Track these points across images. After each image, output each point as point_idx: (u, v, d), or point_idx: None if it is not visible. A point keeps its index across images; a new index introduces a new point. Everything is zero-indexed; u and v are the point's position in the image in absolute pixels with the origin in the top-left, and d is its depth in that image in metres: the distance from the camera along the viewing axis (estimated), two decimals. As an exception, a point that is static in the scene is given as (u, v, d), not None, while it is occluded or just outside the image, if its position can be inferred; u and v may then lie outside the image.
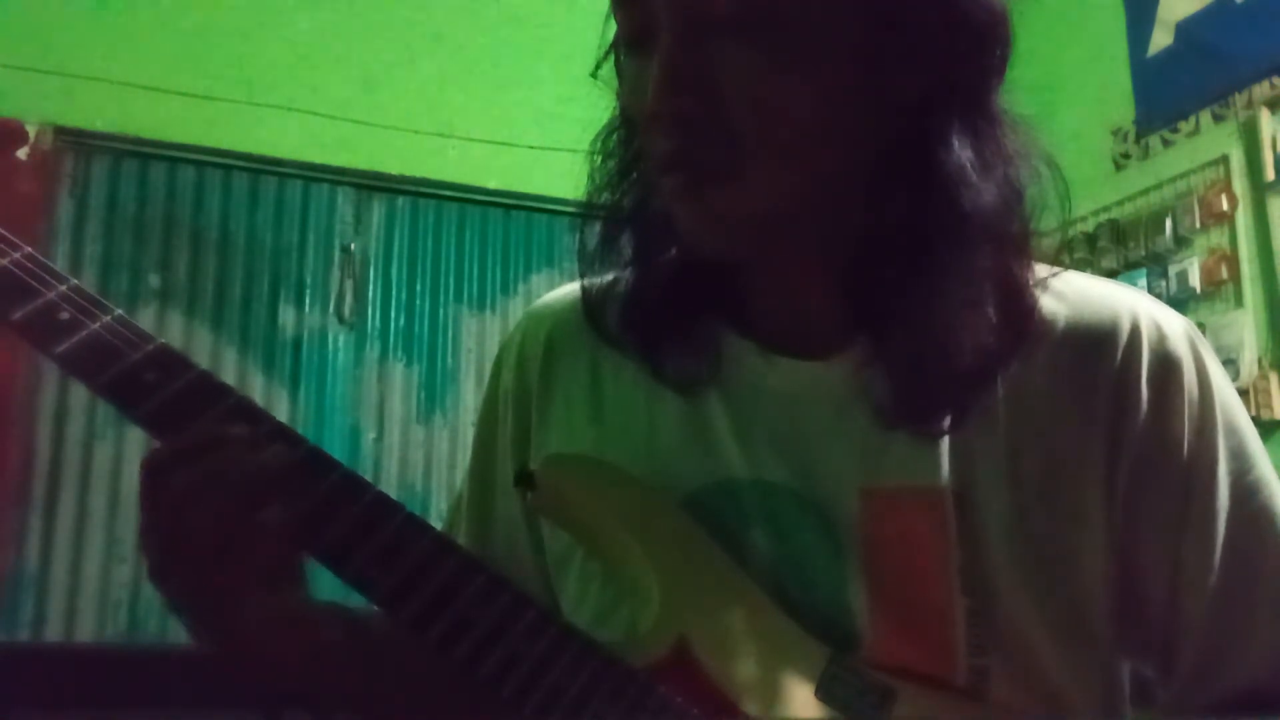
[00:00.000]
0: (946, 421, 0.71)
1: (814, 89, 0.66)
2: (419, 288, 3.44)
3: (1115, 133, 3.30)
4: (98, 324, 0.67)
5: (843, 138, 0.69)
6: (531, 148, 3.42)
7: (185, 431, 0.65)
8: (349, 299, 3.35)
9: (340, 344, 3.32)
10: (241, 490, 0.64)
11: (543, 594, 0.81)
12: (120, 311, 0.68)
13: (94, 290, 0.69)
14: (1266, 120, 2.86)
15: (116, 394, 0.66)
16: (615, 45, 0.74)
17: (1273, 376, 2.77)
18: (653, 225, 0.75)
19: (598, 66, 0.76)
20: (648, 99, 0.66)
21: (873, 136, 0.69)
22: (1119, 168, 3.28)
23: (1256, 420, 2.70)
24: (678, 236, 0.73)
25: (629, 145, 0.77)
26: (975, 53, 0.69)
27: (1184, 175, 3.05)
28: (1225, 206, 2.91)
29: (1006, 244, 0.70)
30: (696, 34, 0.66)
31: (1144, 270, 3.11)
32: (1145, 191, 3.16)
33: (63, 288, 0.67)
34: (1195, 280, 2.96)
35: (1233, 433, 0.73)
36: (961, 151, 0.68)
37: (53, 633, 2.90)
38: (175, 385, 0.66)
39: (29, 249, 0.68)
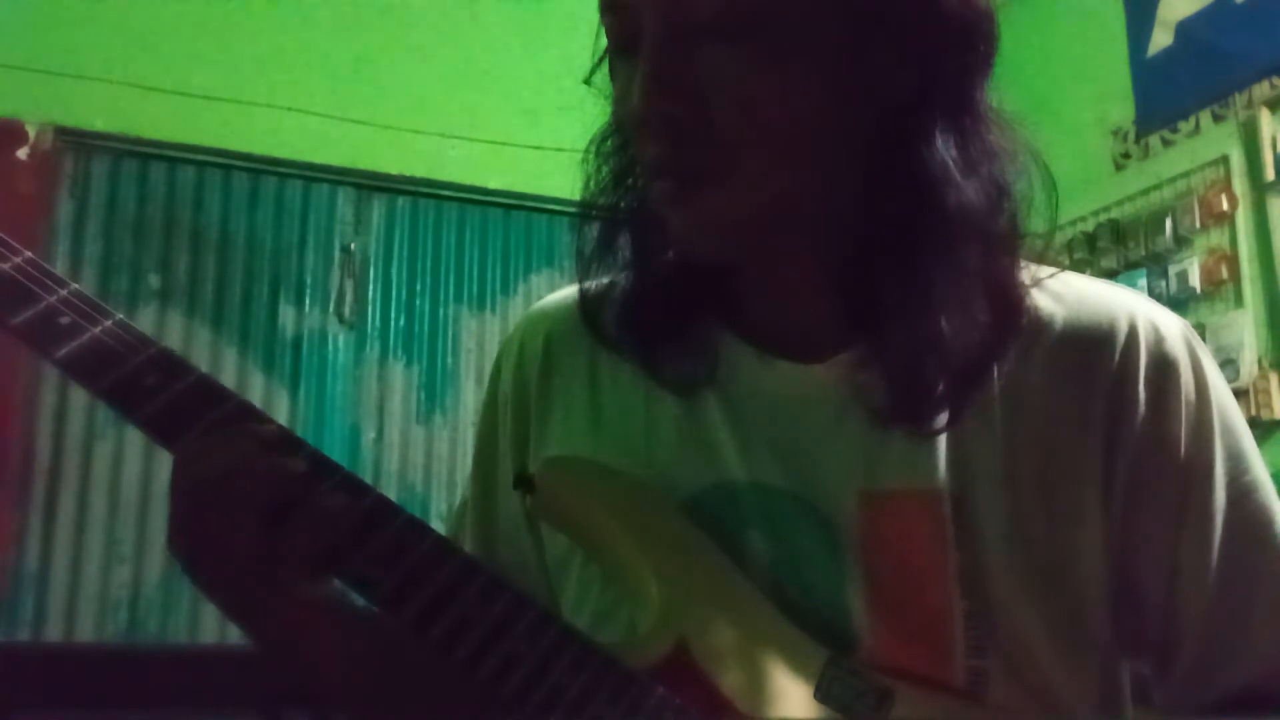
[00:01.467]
0: (942, 420, 0.71)
1: (799, 90, 0.67)
2: (419, 288, 3.44)
3: (1115, 133, 3.30)
4: (98, 328, 0.67)
5: (829, 138, 0.69)
6: (531, 148, 3.42)
7: (200, 431, 0.66)
8: (349, 299, 3.35)
9: (340, 344, 3.33)
10: (272, 483, 0.65)
11: (548, 595, 0.81)
12: (120, 316, 0.69)
13: (94, 290, 0.69)
14: (1266, 120, 2.86)
15: (117, 398, 0.66)
16: (608, 52, 0.74)
17: (1273, 376, 2.77)
18: (649, 228, 0.75)
19: (591, 73, 0.76)
20: (634, 104, 0.67)
21: (859, 136, 0.70)
22: (1119, 168, 3.28)
23: (1256, 420, 2.70)
24: (672, 240, 0.73)
25: (624, 149, 0.78)
26: (959, 50, 0.69)
27: (1184, 175, 3.05)
28: (1225, 206, 2.91)
29: (993, 240, 0.70)
30: (680, 38, 0.66)
31: (1144, 270, 3.11)
32: (1145, 191, 3.16)
33: (63, 292, 0.68)
34: (1195, 280, 2.96)
35: (1229, 434, 0.74)
36: (946, 150, 0.68)
37: (53, 633, 2.91)
38: (175, 389, 0.67)
39: (29, 254, 0.68)
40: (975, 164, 0.69)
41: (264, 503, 0.64)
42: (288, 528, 0.65)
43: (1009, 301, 0.72)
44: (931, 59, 0.68)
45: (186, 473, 0.65)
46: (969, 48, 0.69)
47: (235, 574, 0.66)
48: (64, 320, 0.67)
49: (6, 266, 0.67)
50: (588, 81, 0.76)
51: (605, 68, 0.76)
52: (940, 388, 0.70)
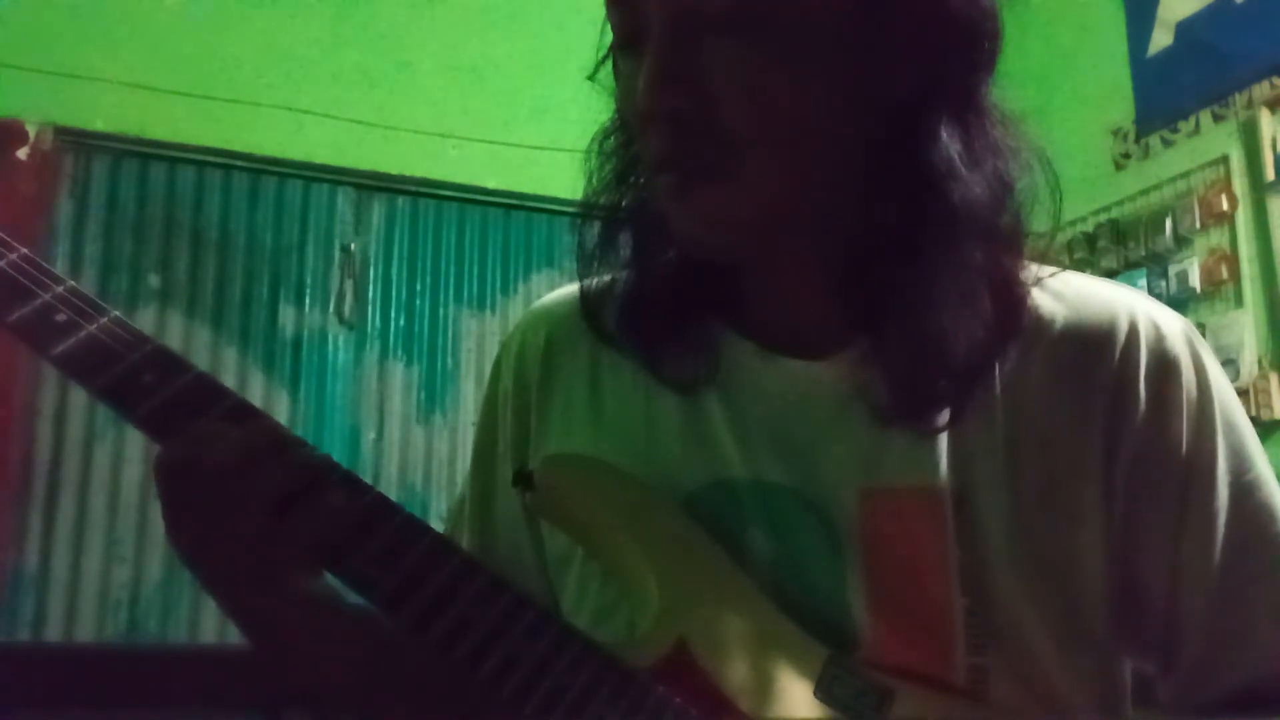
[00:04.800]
0: (944, 417, 0.71)
1: (805, 85, 0.67)
2: (419, 288, 3.44)
3: (1115, 133, 3.30)
4: (94, 326, 0.67)
5: (834, 135, 0.69)
6: (531, 148, 3.42)
7: (198, 428, 0.66)
8: (349, 299, 3.35)
9: (340, 344, 3.32)
10: (267, 479, 0.65)
11: (545, 594, 0.81)
12: (117, 313, 0.68)
13: (94, 290, 0.69)
14: (1266, 120, 2.86)
15: (114, 396, 0.66)
16: (613, 48, 0.74)
17: (1273, 376, 2.77)
18: (651, 226, 0.75)
19: (595, 70, 0.76)
20: (640, 98, 0.67)
21: (864, 133, 0.70)
22: (1119, 168, 3.28)
23: (1256, 420, 2.70)
24: (675, 236, 0.73)
25: (627, 147, 0.78)
26: (964, 48, 0.69)
27: (1184, 175, 3.05)
28: (1225, 206, 2.91)
29: (997, 237, 0.70)
30: (688, 31, 0.66)
31: (1144, 270, 3.11)
32: (1145, 191, 3.16)
33: (59, 289, 0.67)
34: (1195, 280, 2.95)
35: (1231, 431, 0.74)
36: (950, 145, 0.68)
37: (53, 633, 2.90)
38: (173, 387, 0.67)
39: (25, 250, 0.68)
40: (979, 160, 0.69)
41: (272, 492, 0.64)
42: (291, 519, 0.65)
43: (1011, 299, 0.72)
44: (937, 56, 0.68)
45: (193, 458, 0.65)
46: (974, 46, 0.69)
47: (237, 564, 0.66)
48: (60, 317, 0.67)
49: (2, 264, 0.67)
50: (591, 78, 0.76)
51: (609, 65, 0.75)
52: (941, 385, 0.70)
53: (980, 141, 0.70)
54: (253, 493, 0.64)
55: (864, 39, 0.67)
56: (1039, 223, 0.74)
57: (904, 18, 0.67)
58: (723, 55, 0.66)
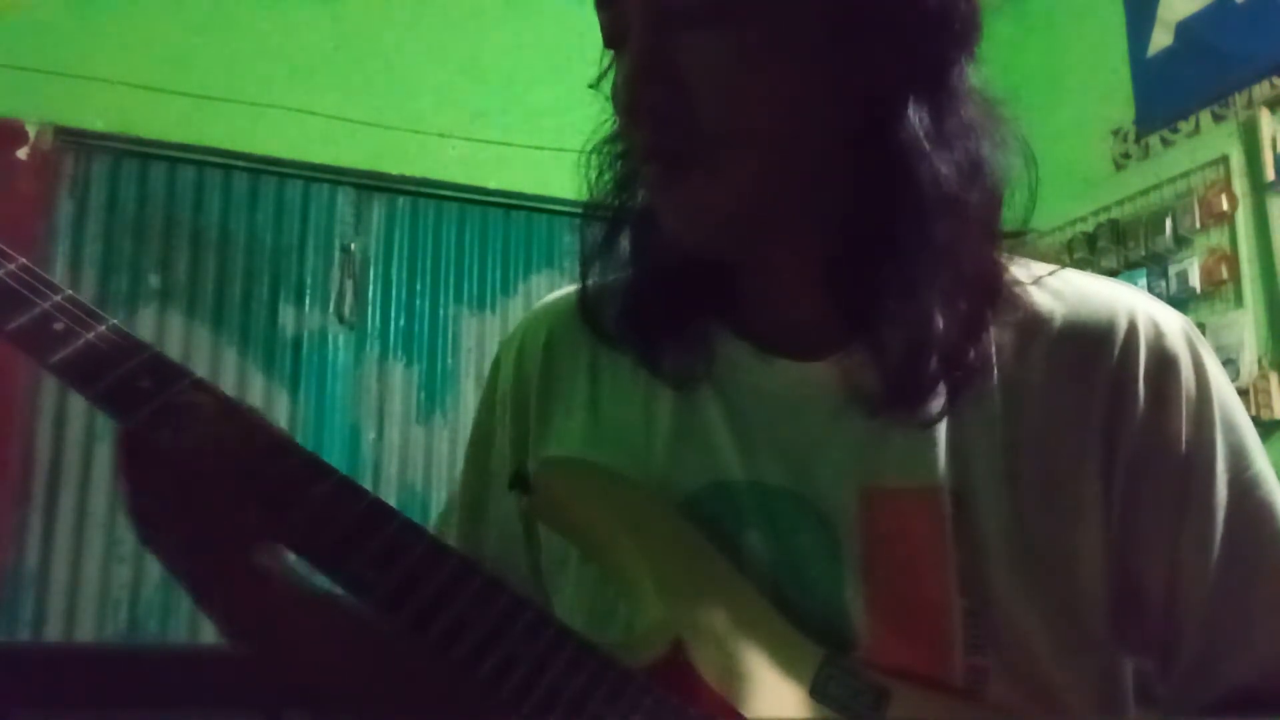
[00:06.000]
0: (936, 409, 0.71)
1: (779, 77, 0.68)
2: (419, 288, 3.44)
3: (1115, 133, 3.30)
4: (92, 334, 0.67)
5: (810, 125, 0.70)
6: (531, 148, 3.42)
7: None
8: (349, 299, 3.35)
9: (340, 344, 3.32)
10: (225, 456, 0.65)
11: (536, 594, 0.81)
12: (115, 321, 0.69)
13: (94, 290, 0.69)
14: (1266, 120, 2.86)
15: (111, 402, 0.66)
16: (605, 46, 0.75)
17: (1273, 376, 2.76)
18: (650, 226, 0.75)
19: (599, 79, 0.76)
20: (621, 94, 0.68)
21: (841, 123, 0.70)
22: (1119, 168, 3.28)
23: (1256, 420, 2.69)
24: (663, 230, 0.73)
25: (628, 148, 0.78)
26: (935, 29, 0.69)
27: (1184, 175, 3.05)
28: (1225, 206, 2.91)
29: (971, 217, 0.70)
30: (664, 26, 0.67)
31: (1144, 270, 3.10)
32: (1145, 191, 3.15)
33: (57, 298, 0.68)
34: (1195, 280, 2.95)
35: (1231, 429, 0.73)
36: (918, 128, 0.68)
37: (53, 633, 2.90)
38: (170, 393, 0.67)
39: (23, 260, 0.69)
40: (949, 141, 0.69)
41: (224, 474, 0.65)
42: (244, 498, 0.65)
43: (991, 278, 0.72)
44: (908, 39, 0.68)
45: (152, 443, 0.66)
46: (945, 25, 0.69)
47: (195, 545, 0.67)
48: (58, 326, 0.67)
49: (0, 273, 0.67)
50: (594, 86, 0.77)
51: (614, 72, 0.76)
52: (930, 370, 0.69)
53: (953, 123, 0.70)
54: (202, 474, 0.65)
55: (835, 28, 0.67)
56: (1020, 209, 0.74)
57: (874, 4, 0.67)
58: (698, 49, 0.67)
